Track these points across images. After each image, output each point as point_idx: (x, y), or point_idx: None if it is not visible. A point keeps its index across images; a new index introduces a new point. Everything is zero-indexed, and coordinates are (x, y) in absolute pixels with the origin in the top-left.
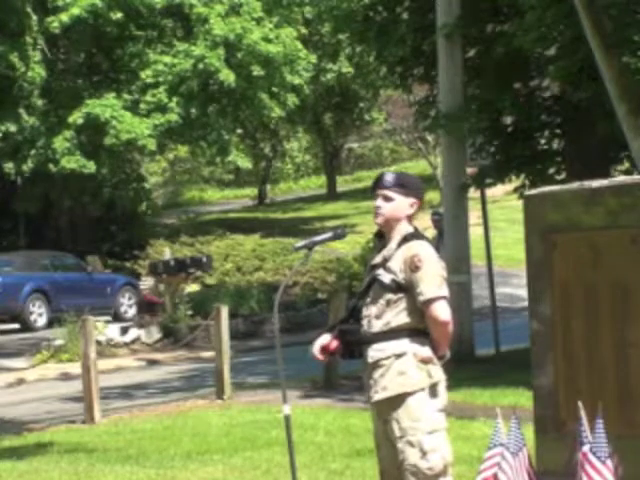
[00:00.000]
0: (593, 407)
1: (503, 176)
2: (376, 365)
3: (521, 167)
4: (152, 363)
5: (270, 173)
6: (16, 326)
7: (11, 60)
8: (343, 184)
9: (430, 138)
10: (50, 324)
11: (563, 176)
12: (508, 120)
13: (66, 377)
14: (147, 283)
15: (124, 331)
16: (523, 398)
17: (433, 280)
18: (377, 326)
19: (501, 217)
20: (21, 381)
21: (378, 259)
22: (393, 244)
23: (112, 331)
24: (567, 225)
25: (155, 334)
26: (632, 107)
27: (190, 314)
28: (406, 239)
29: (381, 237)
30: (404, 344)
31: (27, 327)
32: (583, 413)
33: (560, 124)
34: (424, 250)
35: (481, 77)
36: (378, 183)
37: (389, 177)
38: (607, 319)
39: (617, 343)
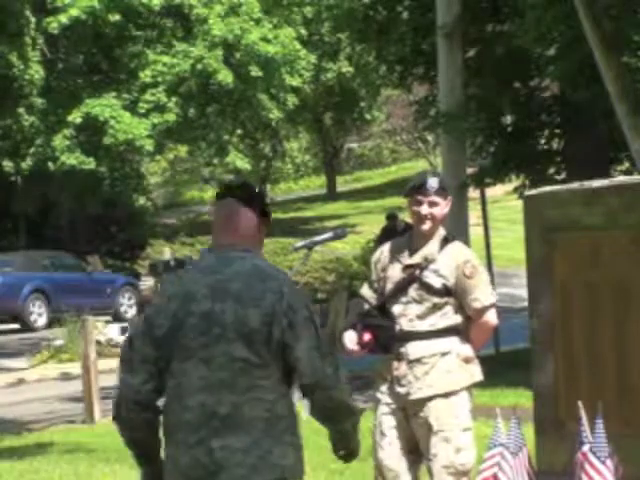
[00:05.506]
0: (593, 407)
1: (503, 176)
2: (418, 362)
3: (521, 167)
4: None
5: (270, 173)
6: (16, 326)
7: (10, 60)
8: (343, 184)
9: (430, 138)
10: (50, 324)
11: (563, 176)
12: (508, 120)
13: (66, 377)
14: (147, 283)
15: (124, 331)
16: (523, 398)
17: (487, 287)
18: (421, 326)
19: (501, 217)
20: (21, 381)
21: (416, 259)
22: (433, 246)
23: (112, 331)
24: (567, 225)
25: None
26: (632, 107)
27: None
28: (447, 240)
29: (389, 233)
30: (449, 343)
31: (27, 327)
32: (583, 413)
33: (560, 124)
34: (472, 255)
35: (481, 77)
36: (422, 189)
37: (433, 182)
38: (607, 319)
39: (617, 343)
